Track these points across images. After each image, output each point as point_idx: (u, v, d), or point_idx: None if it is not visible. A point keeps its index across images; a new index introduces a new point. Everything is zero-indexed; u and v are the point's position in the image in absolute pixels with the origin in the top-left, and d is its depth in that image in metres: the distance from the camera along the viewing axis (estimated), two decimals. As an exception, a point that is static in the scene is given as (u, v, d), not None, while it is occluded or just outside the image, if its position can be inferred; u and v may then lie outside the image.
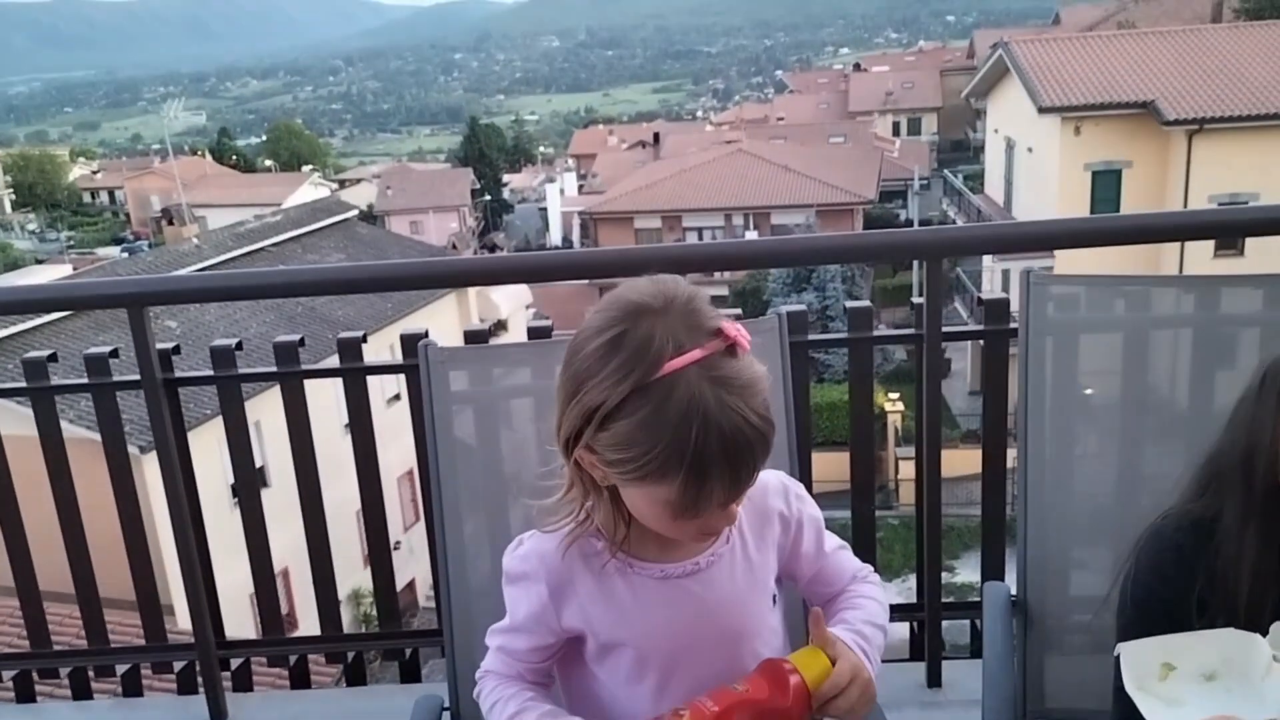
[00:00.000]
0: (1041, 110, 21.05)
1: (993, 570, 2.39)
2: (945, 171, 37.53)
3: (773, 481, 1.27)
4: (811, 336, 2.42)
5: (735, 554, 1.21)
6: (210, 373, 2.45)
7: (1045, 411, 1.70)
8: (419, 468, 2.13)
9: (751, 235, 31.42)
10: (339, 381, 2.45)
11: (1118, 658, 1.07)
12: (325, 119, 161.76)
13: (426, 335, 2.35)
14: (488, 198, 50.96)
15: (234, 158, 69.10)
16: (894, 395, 18.94)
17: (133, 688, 2.74)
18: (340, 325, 13.95)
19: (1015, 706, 1.46)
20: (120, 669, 2.72)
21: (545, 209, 43.63)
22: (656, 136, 47.61)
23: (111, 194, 64.87)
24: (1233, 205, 16.42)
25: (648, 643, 1.18)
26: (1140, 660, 1.06)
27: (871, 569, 1.34)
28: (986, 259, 19.67)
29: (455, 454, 1.56)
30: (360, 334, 2.43)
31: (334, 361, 2.43)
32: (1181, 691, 1.02)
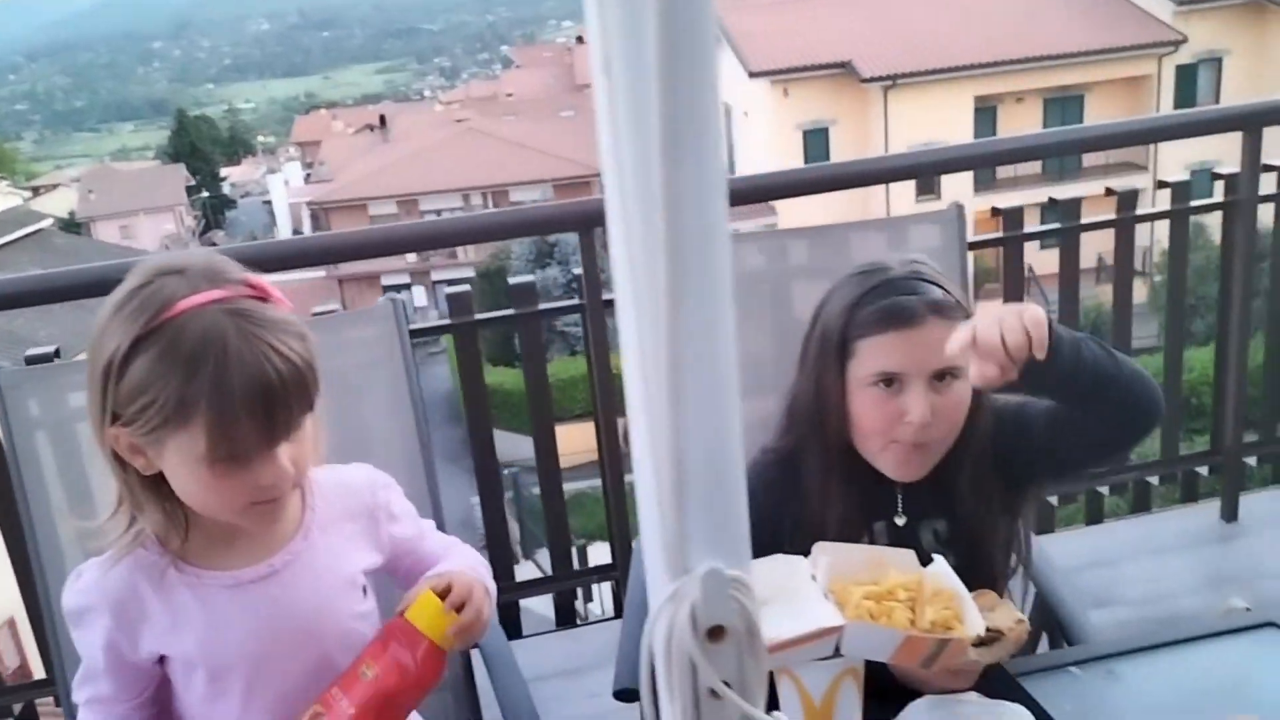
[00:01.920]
0: (751, 75, 22.10)
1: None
2: (672, 138, 38.68)
3: (358, 475, 1.26)
4: (481, 315, 2.42)
5: (314, 551, 1.18)
6: None
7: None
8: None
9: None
10: None
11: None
12: (9, 121, 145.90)
13: (58, 353, 2.17)
14: (205, 194, 47.83)
15: (-99, 170, 61.20)
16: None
17: None
18: (41, 345, 12.68)
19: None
20: None
21: (271, 202, 41.46)
22: (383, 119, 46.20)
23: None
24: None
25: (224, 657, 1.13)
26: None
27: (473, 550, 1.34)
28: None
29: (45, 486, 1.44)
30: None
31: None
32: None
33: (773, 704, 1.12)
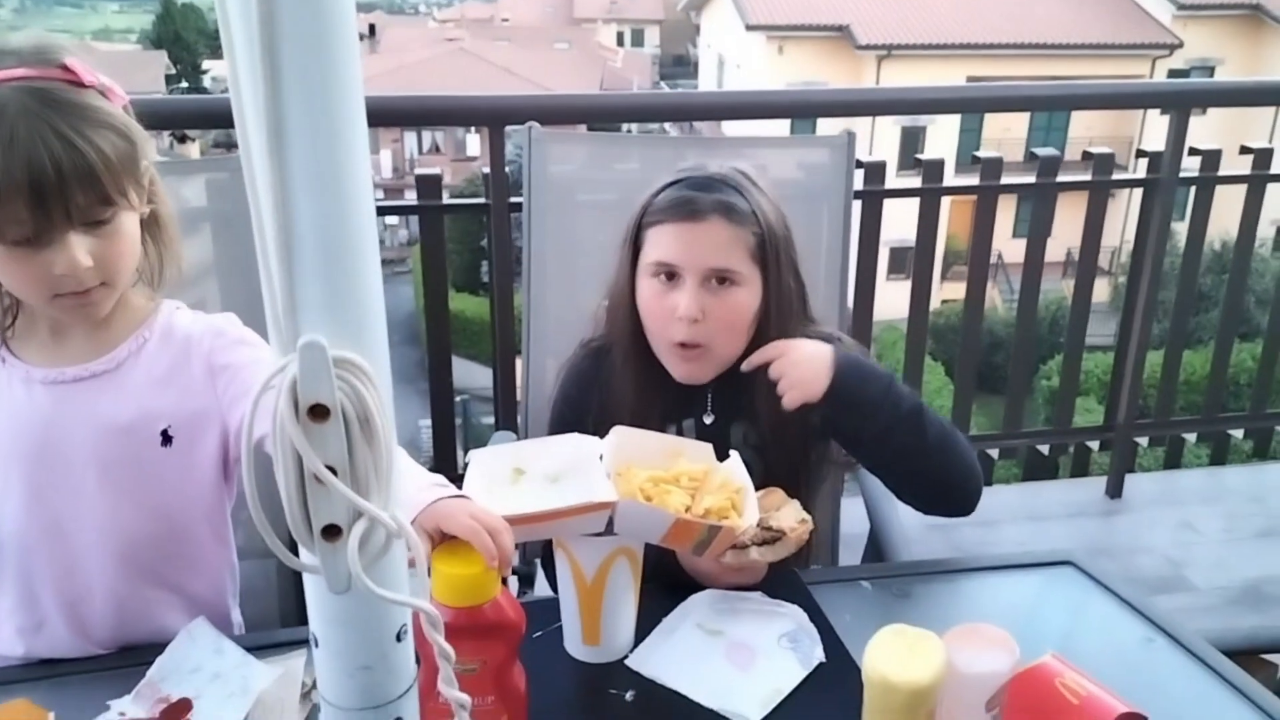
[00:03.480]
0: (749, 28, 21.83)
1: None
2: (663, 84, 38.27)
3: (206, 322, 1.22)
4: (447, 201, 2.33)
5: (121, 377, 1.15)
6: None
7: (545, 265, 1.76)
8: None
9: (472, 138, 30.73)
10: None
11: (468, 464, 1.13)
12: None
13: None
14: (185, 85, 46.74)
15: None
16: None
17: None
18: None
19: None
20: None
21: (250, 101, 40.50)
22: (373, 28, 45.16)
23: None
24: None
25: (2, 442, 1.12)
26: (492, 465, 1.12)
27: None
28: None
29: None
30: None
31: None
32: (526, 493, 1.09)
33: (550, 574, 1.13)
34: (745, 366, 1.28)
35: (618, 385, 1.35)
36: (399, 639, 0.62)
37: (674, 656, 1.11)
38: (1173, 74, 21.96)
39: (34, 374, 1.12)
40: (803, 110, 2.66)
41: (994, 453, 2.94)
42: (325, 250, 0.51)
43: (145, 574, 1.19)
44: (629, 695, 1.07)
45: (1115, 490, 2.96)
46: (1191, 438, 3.09)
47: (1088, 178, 2.72)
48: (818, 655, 1.11)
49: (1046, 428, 3.05)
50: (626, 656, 1.12)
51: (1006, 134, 19.88)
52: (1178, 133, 2.61)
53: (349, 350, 0.52)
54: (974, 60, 21.84)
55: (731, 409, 1.36)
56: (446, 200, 2.41)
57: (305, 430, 0.52)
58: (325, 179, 0.50)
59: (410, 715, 0.64)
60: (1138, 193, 2.75)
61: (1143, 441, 3.01)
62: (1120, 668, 1.12)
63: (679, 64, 49.24)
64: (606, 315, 1.40)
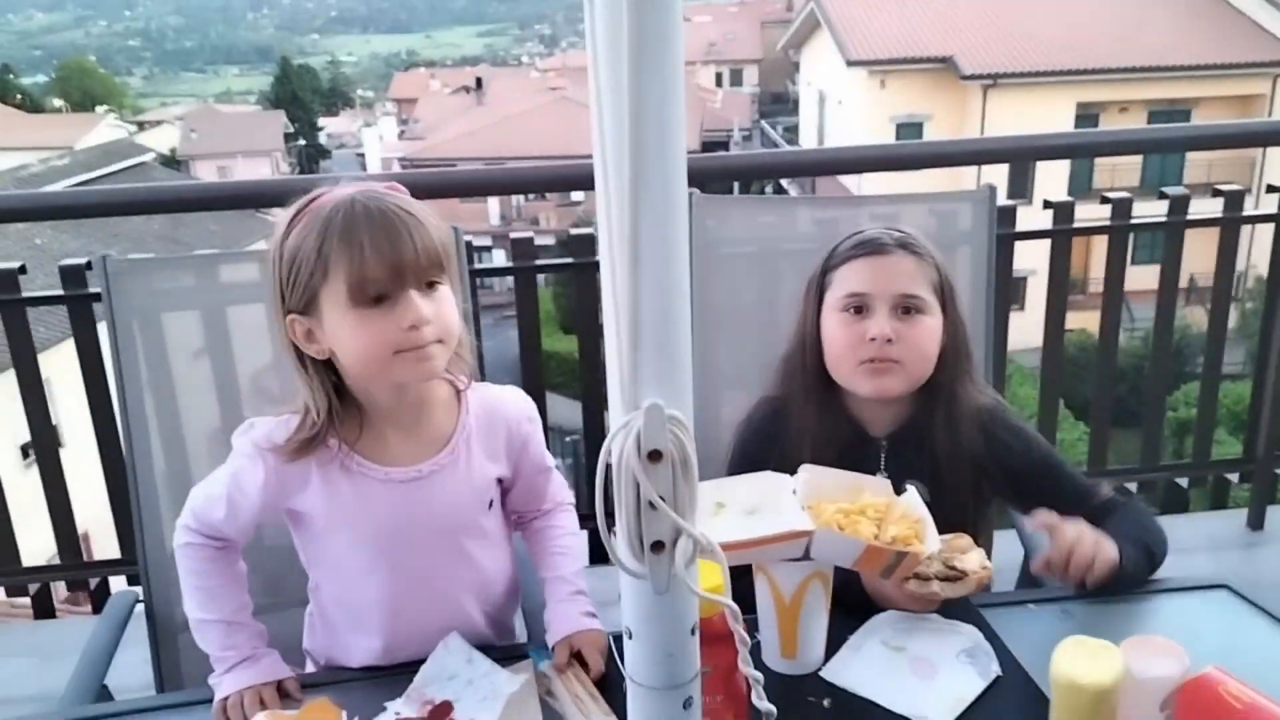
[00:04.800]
0: (850, 63, 21.88)
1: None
2: (763, 123, 38.53)
3: (512, 398, 1.43)
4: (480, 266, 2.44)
5: (459, 464, 1.34)
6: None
7: (706, 317, 1.92)
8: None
9: (575, 183, 31.34)
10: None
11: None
12: (122, 56, 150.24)
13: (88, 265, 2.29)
14: (302, 142, 48.98)
15: (19, 97, 63.60)
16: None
17: None
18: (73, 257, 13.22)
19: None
20: None
21: (364, 155, 42.34)
22: (480, 81, 46.70)
23: (-126, 135, 58.59)
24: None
25: (365, 535, 1.31)
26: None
27: (571, 495, 1.53)
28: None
29: (139, 376, 1.62)
30: (18, 264, 2.38)
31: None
32: (728, 524, 1.24)
33: (750, 598, 1.28)
34: (1036, 569, 1.37)
35: (802, 442, 1.48)
36: (692, 633, 0.78)
37: (863, 669, 1.25)
38: (1295, 92, 21.18)
39: (393, 474, 1.30)
40: (952, 160, 2.76)
41: (1132, 486, 2.97)
42: (659, 331, 0.68)
43: (477, 611, 1.42)
44: (826, 703, 1.21)
45: (1257, 522, 2.96)
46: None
47: (1217, 211, 2.76)
48: (994, 669, 1.23)
49: (1181, 460, 3.07)
50: (819, 669, 1.26)
51: (1120, 160, 19.40)
52: (1311, 168, 2.65)
53: (675, 409, 0.69)
54: (1083, 86, 21.45)
55: (904, 467, 1.46)
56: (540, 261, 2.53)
57: (645, 469, 0.69)
58: (662, 277, 0.67)
59: (696, 695, 0.80)
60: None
61: (1284, 473, 3.01)
62: (1278, 685, 1.21)
63: (777, 101, 49.43)
64: (784, 365, 1.54)
